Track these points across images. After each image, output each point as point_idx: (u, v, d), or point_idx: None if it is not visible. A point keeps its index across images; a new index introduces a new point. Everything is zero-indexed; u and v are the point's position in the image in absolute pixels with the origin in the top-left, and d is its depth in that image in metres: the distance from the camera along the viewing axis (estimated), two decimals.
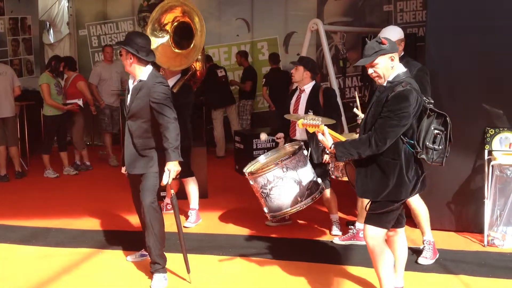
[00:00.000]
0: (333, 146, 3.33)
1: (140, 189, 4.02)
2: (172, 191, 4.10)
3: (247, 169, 4.63)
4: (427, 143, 3.27)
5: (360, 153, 3.25)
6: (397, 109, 3.14)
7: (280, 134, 5.23)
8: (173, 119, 3.89)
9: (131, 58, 3.96)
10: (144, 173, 4.02)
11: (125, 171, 4.18)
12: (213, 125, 9.16)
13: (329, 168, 4.50)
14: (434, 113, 3.30)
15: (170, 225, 4.47)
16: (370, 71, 3.33)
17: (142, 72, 3.99)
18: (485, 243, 4.77)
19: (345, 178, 3.91)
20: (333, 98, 5.09)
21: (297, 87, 5.15)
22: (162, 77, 4.12)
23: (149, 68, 4.03)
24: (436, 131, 3.28)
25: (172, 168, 3.85)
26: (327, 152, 4.44)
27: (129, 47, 3.93)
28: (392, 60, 3.27)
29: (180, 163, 3.92)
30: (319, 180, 4.54)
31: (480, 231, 4.86)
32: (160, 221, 4.05)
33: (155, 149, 4.01)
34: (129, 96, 4.07)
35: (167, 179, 3.86)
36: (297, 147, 4.58)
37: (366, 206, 3.46)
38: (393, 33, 4.33)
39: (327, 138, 3.37)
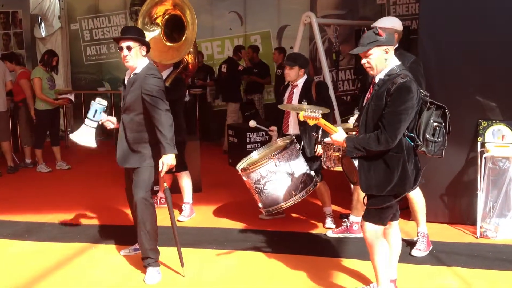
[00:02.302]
0: (344, 140, 3.32)
1: (133, 183, 4.00)
2: (165, 185, 4.08)
3: (239, 166, 4.62)
4: (427, 136, 3.26)
5: (368, 150, 3.21)
6: (402, 102, 3.11)
7: (274, 127, 5.22)
8: (165, 111, 3.85)
9: (143, 50, 3.97)
10: (137, 167, 3.99)
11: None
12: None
13: (322, 159, 4.50)
14: (433, 105, 3.29)
15: (163, 219, 4.46)
16: (363, 61, 3.30)
17: (139, 66, 3.96)
18: (478, 235, 4.79)
19: (338, 168, 3.88)
20: (325, 91, 5.08)
21: (289, 82, 5.13)
22: (155, 69, 4.07)
23: (146, 60, 4.00)
24: (435, 124, 3.27)
25: (166, 161, 3.83)
26: (320, 143, 4.41)
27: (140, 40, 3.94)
28: (386, 52, 3.23)
29: (175, 157, 3.91)
30: (313, 173, 4.54)
31: (473, 223, 4.88)
32: (152, 216, 4.02)
33: (149, 143, 3.97)
34: (124, 90, 4.05)
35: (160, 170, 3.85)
36: (288, 141, 4.58)
37: (363, 199, 3.45)
38: (387, 21, 4.30)
39: (341, 133, 3.38)
